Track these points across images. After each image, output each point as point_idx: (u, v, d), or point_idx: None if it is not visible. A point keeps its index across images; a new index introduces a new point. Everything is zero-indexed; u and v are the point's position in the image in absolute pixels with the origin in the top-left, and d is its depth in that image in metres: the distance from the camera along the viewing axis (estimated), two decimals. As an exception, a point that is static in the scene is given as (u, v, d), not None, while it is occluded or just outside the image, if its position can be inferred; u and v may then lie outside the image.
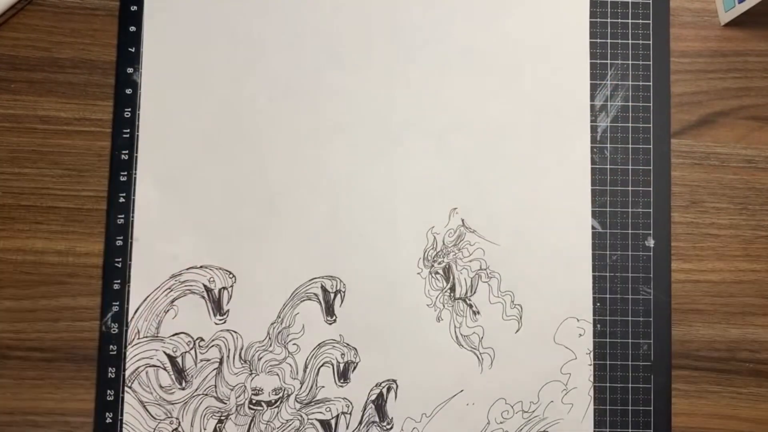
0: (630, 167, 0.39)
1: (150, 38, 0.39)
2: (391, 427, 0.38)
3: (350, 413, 0.38)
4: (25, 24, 0.39)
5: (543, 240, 0.39)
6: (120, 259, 0.38)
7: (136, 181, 0.38)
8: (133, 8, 0.39)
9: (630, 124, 0.40)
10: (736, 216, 0.40)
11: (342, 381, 0.38)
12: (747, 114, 0.40)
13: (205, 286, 0.38)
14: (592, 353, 0.38)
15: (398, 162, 0.39)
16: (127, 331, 0.37)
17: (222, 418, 0.37)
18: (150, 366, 0.37)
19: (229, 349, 0.38)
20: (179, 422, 0.37)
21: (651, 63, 0.40)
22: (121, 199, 0.38)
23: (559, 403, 0.38)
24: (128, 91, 0.39)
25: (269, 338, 0.38)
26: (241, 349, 0.38)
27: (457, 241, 0.39)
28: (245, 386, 0.38)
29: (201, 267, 0.38)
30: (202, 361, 0.38)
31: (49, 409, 0.37)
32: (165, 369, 0.37)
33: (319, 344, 0.38)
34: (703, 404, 0.39)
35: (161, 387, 0.37)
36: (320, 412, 0.38)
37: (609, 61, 0.40)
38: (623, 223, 0.39)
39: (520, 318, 0.38)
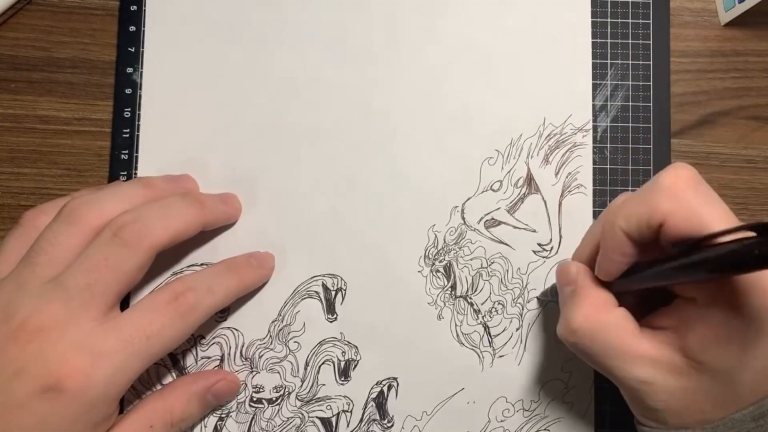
0: (630, 167, 0.39)
1: (150, 38, 0.39)
2: (392, 425, 0.38)
3: (351, 411, 0.38)
4: (24, 24, 0.39)
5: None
6: (121, 259, 0.38)
7: (136, 181, 0.38)
8: (133, 8, 0.39)
9: (630, 124, 0.39)
10: (736, 216, 0.40)
11: (343, 379, 0.38)
12: (747, 114, 0.40)
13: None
14: (591, 351, 0.38)
15: (399, 160, 0.39)
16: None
17: (223, 416, 0.37)
18: (151, 363, 0.37)
19: (230, 347, 0.38)
20: (181, 421, 0.37)
21: (651, 63, 0.40)
22: (122, 199, 0.38)
23: (560, 402, 0.38)
24: (128, 91, 0.39)
25: (270, 336, 0.38)
26: (242, 346, 0.38)
27: (458, 240, 0.39)
28: (246, 384, 0.38)
29: (201, 265, 0.38)
30: (202, 358, 0.38)
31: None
32: (166, 366, 0.37)
33: (320, 342, 0.38)
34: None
35: (162, 385, 0.37)
36: (321, 410, 0.38)
37: (609, 61, 0.40)
38: (623, 222, 0.39)
39: (521, 316, 0.39)
